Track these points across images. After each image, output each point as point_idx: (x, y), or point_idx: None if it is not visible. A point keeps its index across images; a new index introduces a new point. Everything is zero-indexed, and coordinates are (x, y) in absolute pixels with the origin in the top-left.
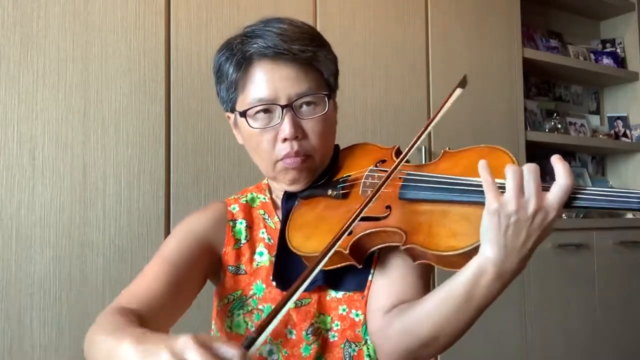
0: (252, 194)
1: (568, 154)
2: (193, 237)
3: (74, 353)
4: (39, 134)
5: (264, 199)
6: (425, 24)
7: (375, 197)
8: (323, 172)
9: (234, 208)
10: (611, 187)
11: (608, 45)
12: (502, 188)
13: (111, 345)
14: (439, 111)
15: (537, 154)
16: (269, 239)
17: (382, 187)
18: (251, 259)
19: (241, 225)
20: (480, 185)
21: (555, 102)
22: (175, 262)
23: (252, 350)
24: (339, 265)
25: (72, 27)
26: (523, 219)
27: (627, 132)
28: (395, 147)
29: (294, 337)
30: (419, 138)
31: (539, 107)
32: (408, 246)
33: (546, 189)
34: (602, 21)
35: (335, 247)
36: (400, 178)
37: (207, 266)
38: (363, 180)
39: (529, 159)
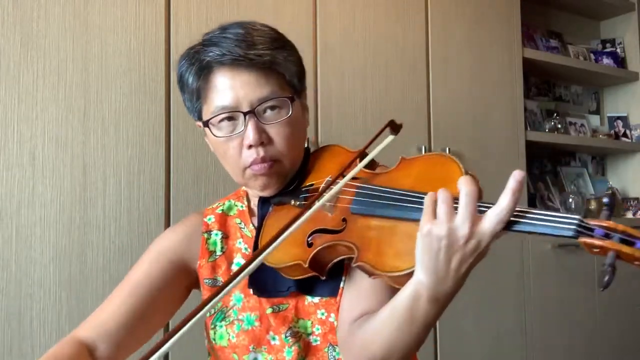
0: (229, 201)
1: (568, 154)
2: (163, 258)
3: None
4: (39, 134)
5: (242, 206)
6: (425, 24)
7: (304, 218)
8: (294, 176)
9: (209, 219)
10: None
11: (608, 45)
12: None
13: None
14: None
15: (537, 153)
16: (245, 248)
17: (316, 207)
18: (228, 270)
19: (216, 236)
20: (421, 203)
21: (555, 102)
22: (144, 286)
23: None
24: (305, 276)
25: (72, 27)
26: (455, 244)
27: (627, 132)
28: (361, 151)
29: (277, 342)
30: (331, 184)
31: (539, 107)
32: (358, 264)
33: (484, 210)
34: (602, 21)
35: (260, 258)
36: (353, 191)
37: (183, 283)
38: (320, 190)
39: (529, 159)
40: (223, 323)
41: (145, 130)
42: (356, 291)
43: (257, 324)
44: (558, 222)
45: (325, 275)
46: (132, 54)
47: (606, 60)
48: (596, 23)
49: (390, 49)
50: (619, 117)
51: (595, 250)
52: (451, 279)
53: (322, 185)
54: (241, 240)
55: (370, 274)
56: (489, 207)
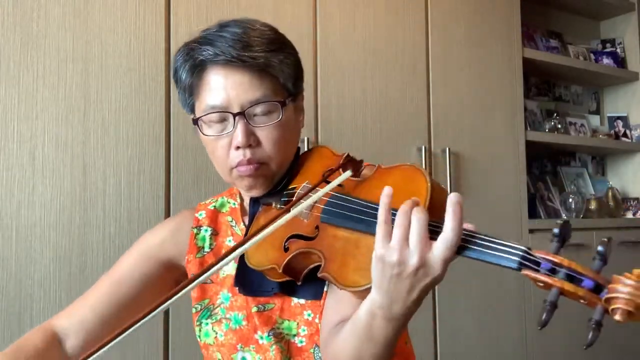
0: (222, 198)
1: (568, 154)
2: (150, 255)
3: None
4: (39, 134)
5: (234, 204)
6: (425, 24)
7: (273, 227)
8: (282, 177)
9: (200, 214)
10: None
11: (608, 45)
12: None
13: None
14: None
15: (537, 153)
16: None
17: (280, 221)
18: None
19: (206, 232)
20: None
21: (555, 102)
22: (125, 281)
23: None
24: (283, 280)
25: (72, 27)
26: (405, 272)
27: (627, 132)
28: (345, 155)
29: (265, 341)
30: (304, 195)
31: (539, 107)
32: (323, 274)
33: (434, 237)
34: (602, 21)
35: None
36: (325, 200)
37: (170, 279)
38: (295, 197)
39: (529, 159)
40: (209, 320)
41: (145, 130)
42: (337, 296)
43: (244, 323)
44: (503, 252)
45: (301, 280)
46: (132, 54)
47: (606, 60)
48: (596, 23)
49: (390, 49)
50: (619, 117)
51: (539, 284)
52: (403, 301)
53: (299, 191)
54: (231, 238)
55: (336, 285)
56: (439, 228)
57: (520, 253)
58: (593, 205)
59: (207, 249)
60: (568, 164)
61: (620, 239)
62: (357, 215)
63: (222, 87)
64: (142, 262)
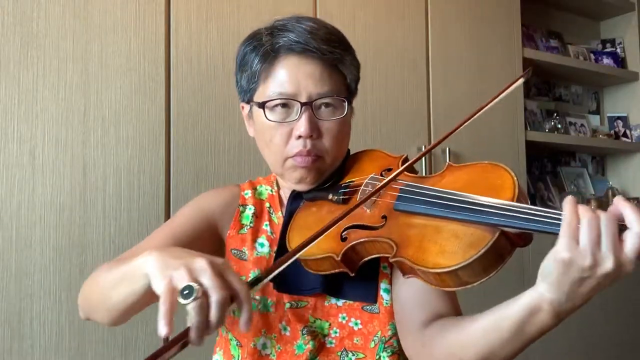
0: (261, 186)
1: (568, 154)
2: (202, 215)
3: (74, 353)
4: (39, 134)
5: (271, 191)
6: (425, 24)
7: (360, 204)
8: (330, 174)
9: (246, 193)
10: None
11: (608, 45)
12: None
13: (122, 269)
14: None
15: (537, 153)
16: (271, 232)
17: (374, 195)
18: (252, 247)
19: (250, 211)
20: (475, 204)
21: (555, 102)
22: (178, 236)
23: (254, 289)
24: (332, 272)
25: (72, 27)
26: (596, 275)
27: (627, 132)
28: (403, 156)
29: (288, 333)
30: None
31: (539, 107)
32: (397, 259)
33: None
34: (602, 21)
35: (315, 242)
36: (397, 189)
37: (209, 246)
38: (362, 188)
39: (529, 159)
40: None
41: (145, 130)
42: (416, 294)
43: (272, 310)
44: None
45: (355, 272)
46: (132, 54)
47: (606, 60)
48: (596, 23)
49: (390, 49)
50: (619, 117)
51: None
52: (580, 299)
53: (365, 180)
54: (267, 223)
55: (406, 272)
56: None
57: None
58: (593, 205)
59: (247, 227)
60: (568, 164)
61: None
62: (441, 202)
63: (294, 75)
64: (198, 217)
